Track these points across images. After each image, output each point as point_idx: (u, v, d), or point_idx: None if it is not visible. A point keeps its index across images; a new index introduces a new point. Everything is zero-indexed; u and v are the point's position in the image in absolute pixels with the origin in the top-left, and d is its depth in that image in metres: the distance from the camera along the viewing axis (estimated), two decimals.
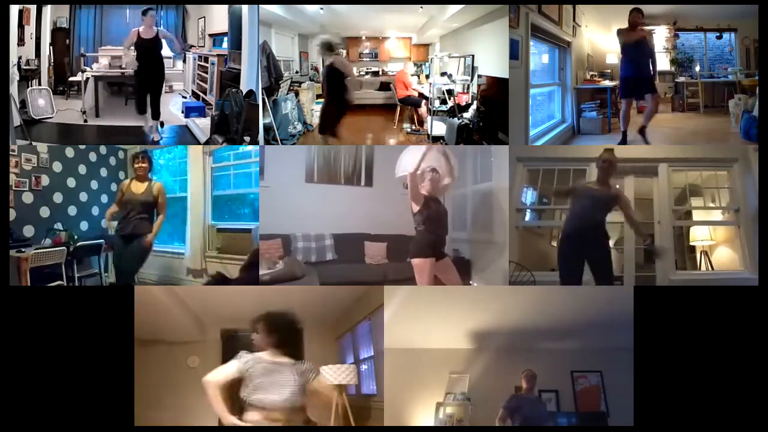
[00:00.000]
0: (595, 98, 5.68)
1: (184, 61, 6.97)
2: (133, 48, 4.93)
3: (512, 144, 4.32)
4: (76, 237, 5.25)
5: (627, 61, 4.72)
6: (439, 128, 5.97)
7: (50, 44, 6.02)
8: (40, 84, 5.65)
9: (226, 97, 4.53)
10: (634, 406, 3.10)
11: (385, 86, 7.63)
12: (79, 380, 3.05)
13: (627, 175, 4.51)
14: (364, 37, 7.85)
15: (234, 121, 4.39)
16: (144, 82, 5.01)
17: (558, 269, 3.57)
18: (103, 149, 6.14)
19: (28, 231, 5.13)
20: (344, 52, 4.86)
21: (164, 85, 6.62)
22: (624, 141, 4.72)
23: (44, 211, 5.36)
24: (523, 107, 4.48)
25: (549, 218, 4.71)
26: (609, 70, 6.01)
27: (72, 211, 5.75)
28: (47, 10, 5.91)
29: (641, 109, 5.05)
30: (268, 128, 4.95)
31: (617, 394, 3.89)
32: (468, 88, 6.14)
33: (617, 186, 3.69)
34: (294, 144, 5.72)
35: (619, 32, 4.75)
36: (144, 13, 4.86)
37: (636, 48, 4.64)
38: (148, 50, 4.90)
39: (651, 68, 4.71)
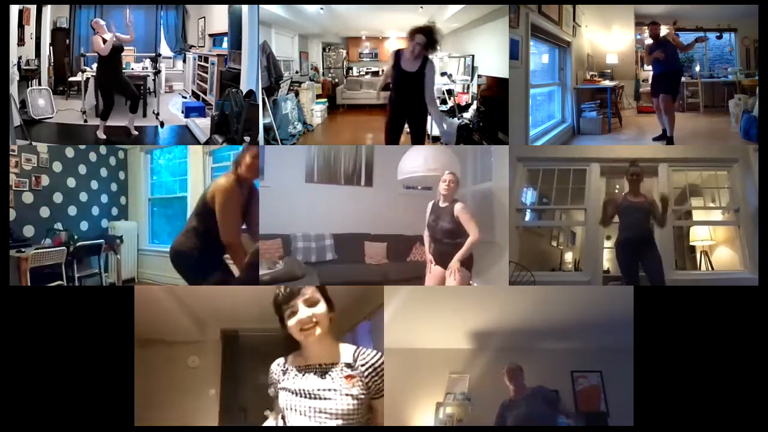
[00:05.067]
0: (595, 98, 5.67)
1: (184, 61, 6.97)
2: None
3: (512, 144, 4.32)
4: (76, 237, 5.25)
5: None
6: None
7: (50, 44, 6.01)
8: (40, 84, 5.65)
9: (226, 97, 4.53)
10: (634, 406, 3.10)
11: (385, 86, 7.63)
12: (79, 380, 3.05)
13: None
14: (364, 37, 7.87)
15: (234, 121, 4.39)
16: (111, 87, 5.02)
17: (620, 271, 3.92)
18: (103, 149, 6.15)
19: (28, 231, 5.13)
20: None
21: (165, 85, 6.69)
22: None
23: (44, 211, 5.36)
24: (523, 107, 4.48)
25: (549, 218, 4.71)
26: (609, 70, 6.01)
27: (72, 211, 5.75)
28: (47, 10, 5.90)
29: (643, 110, 5.08)
30: (268, 128, 4.96)
31: (617, 394, 3.89)
32: (468, 88, 6.15)
33: (648, 195, 4.00)
34: (294, 144, 5.73)
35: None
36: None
37: None
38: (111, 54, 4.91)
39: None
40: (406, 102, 3.96)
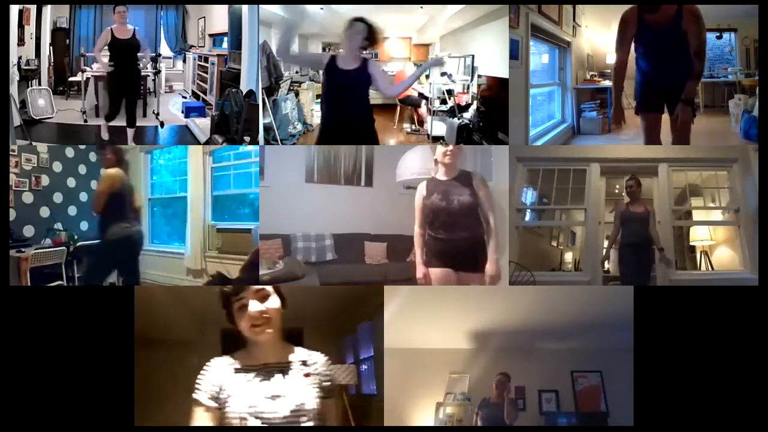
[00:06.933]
0: (595, 98, 5.68)
1: (184, 61, 6.97)
2: (106, 50, 4.69)
3: (512, 144, 4.32)
4: (76, 237, 5.25)
5: None
6: (439, 128, 5.97)
7: (50, 44, 6.02)
8: (40, 84, 5.65)
9: (226, 97, 4.53)
10: (634, 406, 3.10)
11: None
12: (79, 380, 3.05)
13: (627, 175, 4.52)
14: None
15: (234, 121, 4.39)
16: (120, 87, 4.76)
17: (621, 273, 4.15)
18: None
19: (28, 231, 5.13)
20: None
21: (165, 85, 6.68)
22: None
23: (44, 211, 5.36)
24: (523, 107, 4.48)
25: (549, 218, 4.71)
26: (609, 70, 6.01)
27: (72, 211, 5.75)
28: (47, 10, 5.90)
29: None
30: (268, 128, 4.96)
31: (617, 394, 3.89)
32: (468, 88, 6.14)
33: (648, 205, 4.24)
34: (294, 144, 5.73)
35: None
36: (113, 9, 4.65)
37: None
38: (123, 51, 4.67)
39: None
40: (346, 108, 3.33)
